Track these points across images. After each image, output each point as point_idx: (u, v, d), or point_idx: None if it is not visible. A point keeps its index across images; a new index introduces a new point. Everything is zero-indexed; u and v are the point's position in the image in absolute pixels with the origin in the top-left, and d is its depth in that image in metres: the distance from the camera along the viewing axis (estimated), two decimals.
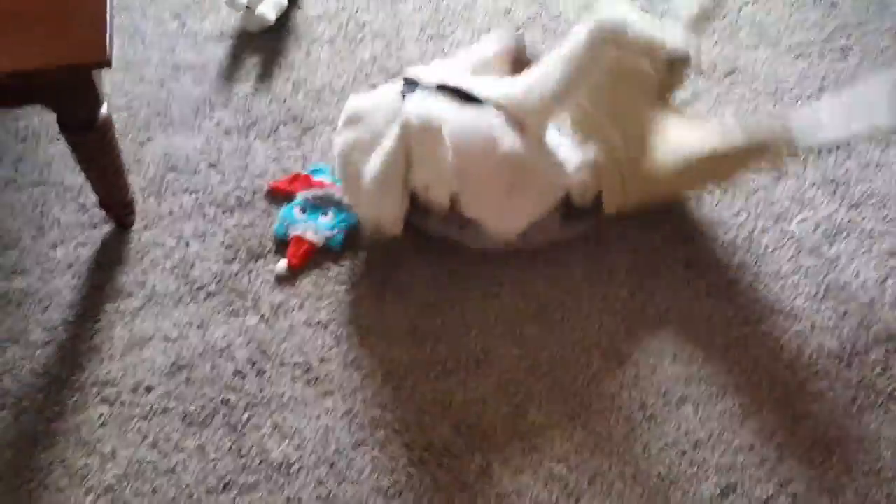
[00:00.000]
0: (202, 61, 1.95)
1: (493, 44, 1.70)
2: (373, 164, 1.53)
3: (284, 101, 1.89)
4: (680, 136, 1.57)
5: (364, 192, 1.56)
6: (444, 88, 1.52)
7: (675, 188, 1.67)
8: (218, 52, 1.98)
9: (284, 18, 2.02)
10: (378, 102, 1.59)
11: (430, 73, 1.58)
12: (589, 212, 1.57)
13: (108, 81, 1.87)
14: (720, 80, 1.99)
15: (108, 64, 1.24)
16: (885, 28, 2.15)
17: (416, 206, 1.55)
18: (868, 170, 1.84)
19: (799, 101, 1.95)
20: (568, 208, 1.54)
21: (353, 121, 1.59)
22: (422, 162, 1.48)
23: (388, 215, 1.56)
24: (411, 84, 1.55)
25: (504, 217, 1.52)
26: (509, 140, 1.47)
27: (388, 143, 1.51)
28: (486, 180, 1.49)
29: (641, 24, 1.42)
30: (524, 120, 1.48)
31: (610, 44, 1.41)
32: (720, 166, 1.59)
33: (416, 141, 1.47)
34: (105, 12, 1.29)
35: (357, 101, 1.62)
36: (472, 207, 1.50)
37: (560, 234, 1.61)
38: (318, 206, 1.69)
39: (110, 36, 1.27)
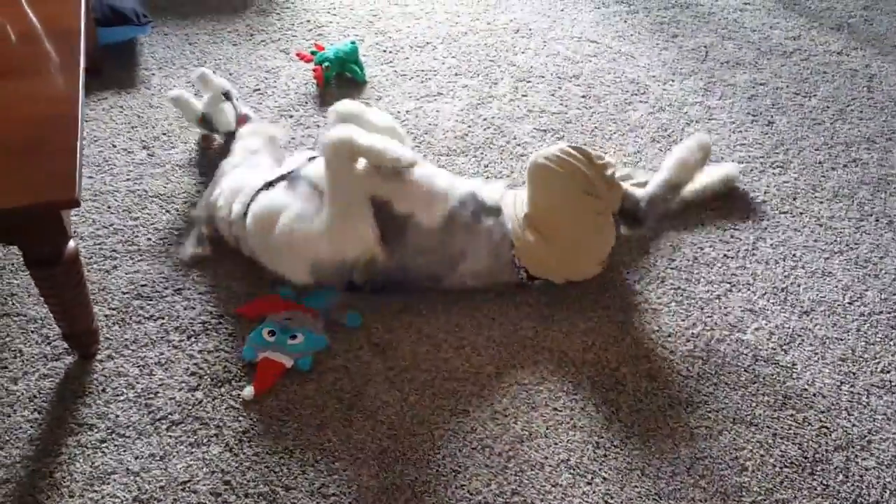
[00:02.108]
0: (170, 190, 2.00)
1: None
2: (325, 211, 1.68)
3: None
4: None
5: (334, 239, 1.68)
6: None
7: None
8: (185, 181, 2.03)
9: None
10: (273, 197, 1.75)
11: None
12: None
13: (75, 211, 1.90)
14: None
15: (76, 204, 1.27)
16: (819, 143, 2.29)
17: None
18: (815, 278, 1.92)
19: (744, 214, 2.06)
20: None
21: (271, 217, 1.73)
22: (368, 150, 1.68)
23: (368, 238, 1.69)
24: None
25: (430, 203, 1.73)
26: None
27: (329, 183, 1.69)
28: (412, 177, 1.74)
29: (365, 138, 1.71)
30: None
31: (343, 155, 1.68)
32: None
33: (345, 146, 1.67)
34: (76, 151, 1.33)
35: (258, 207, 1.75)
36: (403, 202, 1.72)
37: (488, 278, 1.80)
38: (287, 328, 1.71)
39: (80, 175, 1.30)
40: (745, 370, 1.72)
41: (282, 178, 1.79)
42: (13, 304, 1.74)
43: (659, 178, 1.91)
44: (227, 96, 2.04)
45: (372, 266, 1.71)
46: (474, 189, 1.79)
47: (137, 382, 1.63)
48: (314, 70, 2.33)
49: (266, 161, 1.92)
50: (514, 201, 1.80)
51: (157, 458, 1.52)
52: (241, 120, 2.06)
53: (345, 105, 1.92)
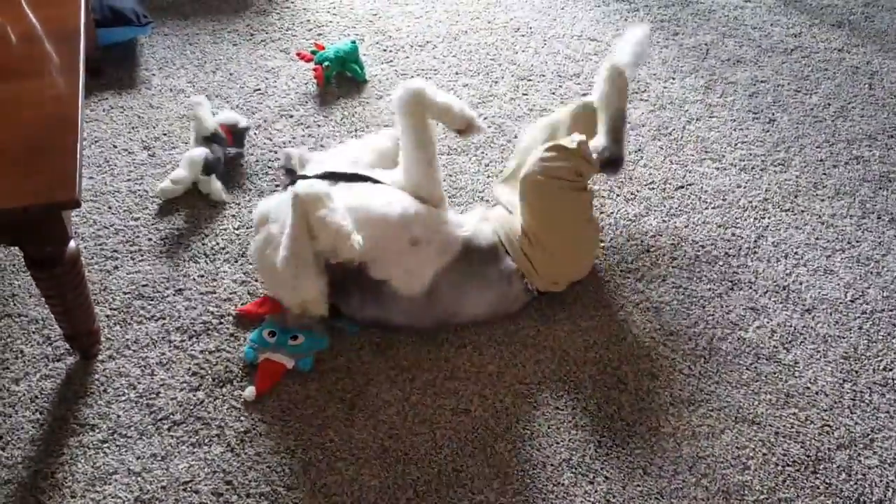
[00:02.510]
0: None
1: (369, 141, 1.96)
2: (280, 251, 1.61)
3: (251, 226, 1.93)
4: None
5: (281, 279, 1.63)
6: (330, 175, 1.74)
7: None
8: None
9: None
10: (281, 200, 1.71)
11: (316, 165, 1.82)
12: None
13: (76, 211, 1.91)
14: (671, 193, 2.09)
15: (77, 205, 1.27)
16: (821, 140, 2.29)
17: (339, 289, 1.65)
18: (816, 276, 1.92)
19: (746, 212, 2.05)
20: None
21: (262, 221, 1.74)
22: (321, 226, 1.56)
23: (308, 295, 1.63)
24: (291, 173, 1.81)
25: (410, 272, 1.65)
26: (404, 202, 1.68)
27: (287, 225, 1.60)
28: (388, 239, 1.64)
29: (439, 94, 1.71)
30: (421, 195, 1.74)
31: (415, 104, 1.67)
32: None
33: (309, 207, 1.56)
34: (76, 152, 1.33)
35: (263, 204, 1.78)
36: (380, 268, 1.63)
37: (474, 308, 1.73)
38: (287, 329, 1.71)
39: (80, 175, 1.31)
40: (747, 368, 1.72)
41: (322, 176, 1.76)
42: (14, 304, 1.74)
43: (602, 124, 1.81)
44: (213, 138, 2.00)
45: (303, 316, 1.68)
46: (471, 235, 1.72)
47: (139, 383, 1.63)
48: (314, 69, 2.33)
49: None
50: (500, 222, 1.77)
51: (159, 459, 1.52)
52: (227, 131, 2.05)
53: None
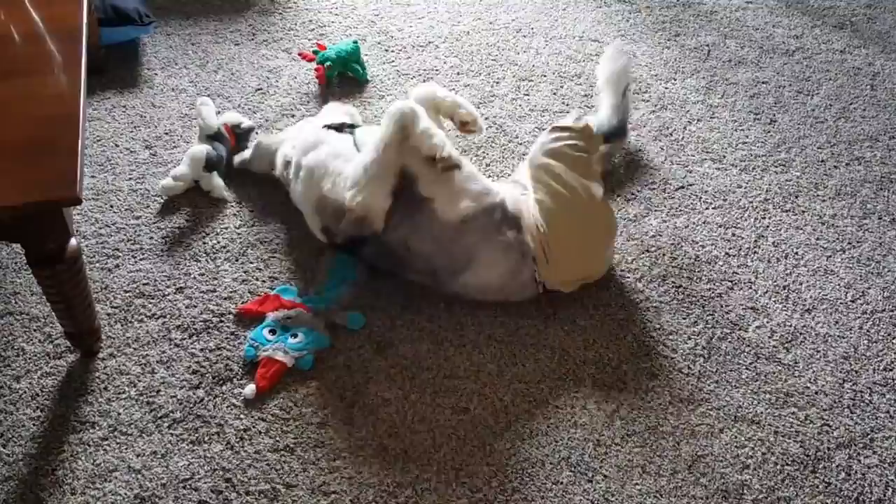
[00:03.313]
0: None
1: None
2: (369, 154, 1.72)
3: (252, 224, 1.94)
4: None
5: (355, 179, 1.71)
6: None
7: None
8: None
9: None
10: (315, 128, 1.92)
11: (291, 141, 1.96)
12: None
13: (77, 210, 1.91)
14: (672, 193, 2.09)
15: (78, 202, 1.28)
16: (822, 141, 2.29)
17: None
18: (817, 276, 1.92)
19: (746, 212, 2.06)
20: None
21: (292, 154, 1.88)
22: (425, 135, 1.70)
23: (375, 202, 1.70)
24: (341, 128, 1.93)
25: (452, 196, 1.73)
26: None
27: (379, 139, 1.72)
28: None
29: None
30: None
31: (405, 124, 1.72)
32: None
33: (411, 120, 1.70)
34: (78, 150, 1.33)
35: (288, 133, 1.99)
36: (428, 186, 1.73)
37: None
38: (287, 327, 1.71)
39: (81, 173, 1.31)
40: (747, 368, 1.72)
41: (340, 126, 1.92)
42: (16, 302, 1.74)
43: (607, 99, 2.08)
44: (216, 137, 2.03)
45: (360, 225, 1.72)
46: (505, 198, 1.77)
47: (139, 380, 1.63)
48: (316, 69, 2.34)
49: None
50: (529, 211, 1.76)
51: (159, 456, 1.52)
52: (230, 131, 2.07)
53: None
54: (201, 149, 1.97)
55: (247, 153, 2.06)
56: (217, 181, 1.99)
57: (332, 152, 1.80)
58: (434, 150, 1.70)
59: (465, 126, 1.91)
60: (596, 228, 1.77)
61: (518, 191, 1.82)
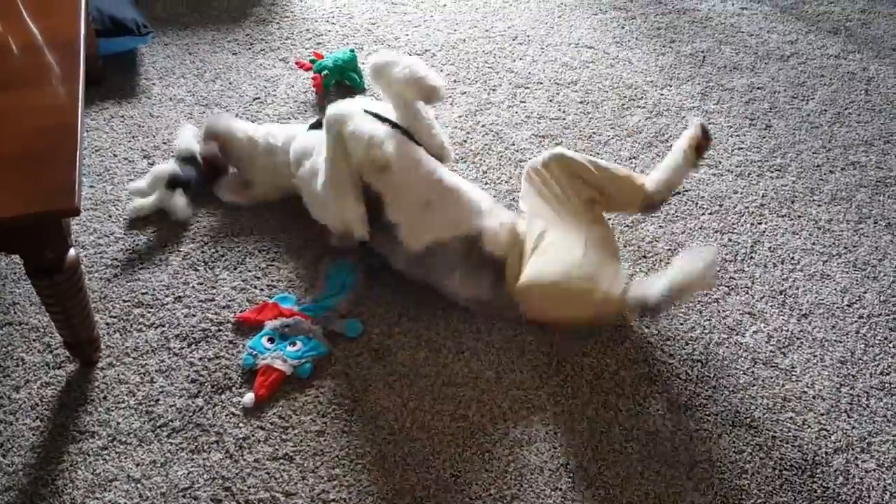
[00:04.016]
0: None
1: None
2: (319, 175, 1.75)
3: (250, 233, 1.95)
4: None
5: (324, 203, 1.76)
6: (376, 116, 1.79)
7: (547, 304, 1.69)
8: None
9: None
10: (321, 134, 1.81)
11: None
12: None
13: (76, 220, 1.92)
14: (669, 199, 2.10)
15: (77, 213, 1.28)
16: (817, 146, 2.30)
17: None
18: (813, 281, 1.93)
19: (742, 217, 2.06)
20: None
21: (302, 156, 1.85)
22: (354, 139, 1.68)
23: (349, 215, 1.72)
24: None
25: (412, 228, 1.70)
26: (438, 165, 1.76)
27: (324, 151, 1.73)
28: (410, 187, 1.71)
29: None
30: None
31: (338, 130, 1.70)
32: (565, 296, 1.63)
33: (340, 126, 1.68)
34: (76, 160, 1.34)
35: (299, 141, 1.89)
36: (394, 212, 1.71)
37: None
38: (286, 335, 1.72)
39: (80, 183, 1.32)
40: (744, 373, 1.73)
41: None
42: (15, 312, 1.75)
43: (668, 277, 1.58)
44: (189, 161, 1.98)
45: (348, 238, 1.76)
46: (482, 229, 1.70)
47: (138, 390, 1.64)
48: (313, 78, 2.35)
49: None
50: (517, 238, 1.74)
51: (158, 465, 1.53)
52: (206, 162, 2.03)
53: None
54: (165, 167, 1.95)
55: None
56: (179, 200, 1.95)
57: (311, 167, 1.82)
58: (364, 153, 1.67)
59: (429, 97, 1.72)
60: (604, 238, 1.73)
61: (511, 217, 1.77)
